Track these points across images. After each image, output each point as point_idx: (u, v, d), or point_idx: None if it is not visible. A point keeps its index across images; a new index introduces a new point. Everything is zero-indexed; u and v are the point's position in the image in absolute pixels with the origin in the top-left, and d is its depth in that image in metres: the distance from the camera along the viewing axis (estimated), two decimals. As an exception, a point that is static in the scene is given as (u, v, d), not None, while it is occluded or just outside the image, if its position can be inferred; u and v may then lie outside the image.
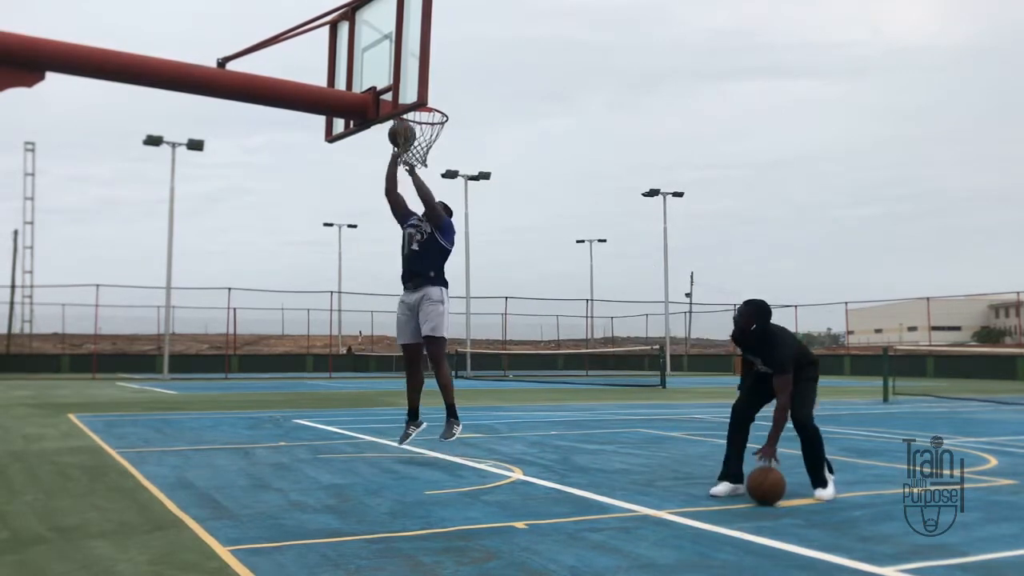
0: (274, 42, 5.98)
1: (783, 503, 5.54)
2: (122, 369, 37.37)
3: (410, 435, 7.78)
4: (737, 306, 6.10)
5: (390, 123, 6.76)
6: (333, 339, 44.97)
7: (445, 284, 7.57)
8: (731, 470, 5.94)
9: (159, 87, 5.47)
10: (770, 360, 5.87)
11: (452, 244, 7.63)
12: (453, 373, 32.80)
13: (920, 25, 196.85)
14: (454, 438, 7.68)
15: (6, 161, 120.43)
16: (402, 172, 7.48)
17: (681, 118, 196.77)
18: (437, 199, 7.56)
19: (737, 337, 6.04)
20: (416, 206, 7.67)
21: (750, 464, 5.78)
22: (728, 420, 6.12)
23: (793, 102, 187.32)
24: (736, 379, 30.82)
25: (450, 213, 7.74)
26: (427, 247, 7.48)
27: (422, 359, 7.74)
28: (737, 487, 5.88)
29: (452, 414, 7.64)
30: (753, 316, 5.94)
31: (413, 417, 7.75)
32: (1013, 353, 35.18)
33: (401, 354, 8.06)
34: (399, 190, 7.66)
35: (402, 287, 7.62)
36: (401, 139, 7.19)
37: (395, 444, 8.27)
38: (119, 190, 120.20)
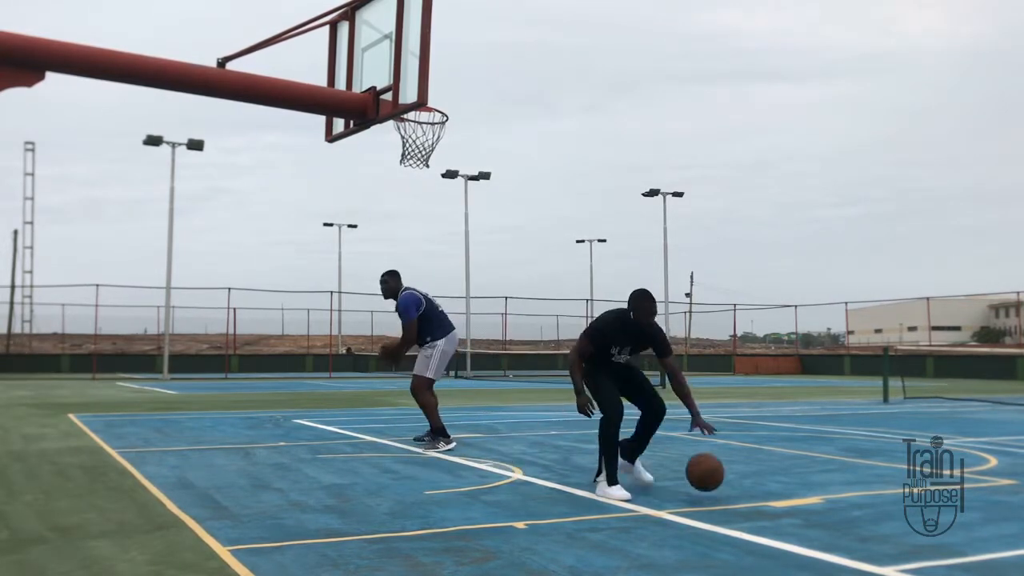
0: (274, 42, 5.99)
1: (783, 503, 5.55)
2: (122, 369, 37.35)
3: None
4: (635, 296, 5.95)
5: (390, 123, 6.75)
6: (333, 339, 44.91)
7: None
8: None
9: (159, 87, 5.48)
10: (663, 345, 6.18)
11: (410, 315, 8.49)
12: (454, 374, 32.81)
13: (932, 24, 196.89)
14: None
15: (5, 161, 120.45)
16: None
17: (684, 120, 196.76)
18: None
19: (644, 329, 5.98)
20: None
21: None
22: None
23: (793, 104, 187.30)
24: (737, 379, 30.42)
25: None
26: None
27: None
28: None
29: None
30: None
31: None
32: (1013, 353, 35.18)
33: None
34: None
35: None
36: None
37: (396, 444, 8.30)
38: (108, 190, 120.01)
